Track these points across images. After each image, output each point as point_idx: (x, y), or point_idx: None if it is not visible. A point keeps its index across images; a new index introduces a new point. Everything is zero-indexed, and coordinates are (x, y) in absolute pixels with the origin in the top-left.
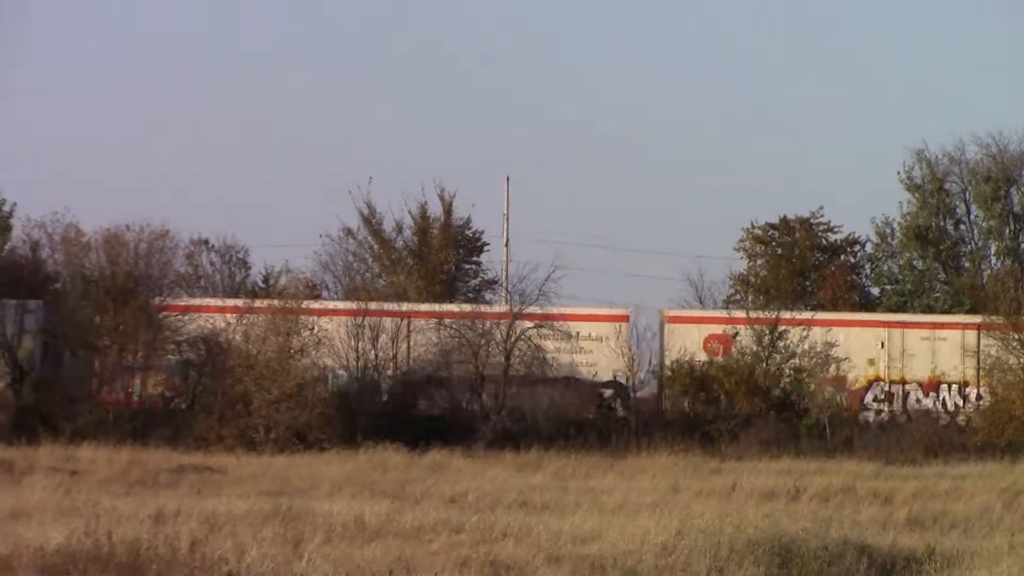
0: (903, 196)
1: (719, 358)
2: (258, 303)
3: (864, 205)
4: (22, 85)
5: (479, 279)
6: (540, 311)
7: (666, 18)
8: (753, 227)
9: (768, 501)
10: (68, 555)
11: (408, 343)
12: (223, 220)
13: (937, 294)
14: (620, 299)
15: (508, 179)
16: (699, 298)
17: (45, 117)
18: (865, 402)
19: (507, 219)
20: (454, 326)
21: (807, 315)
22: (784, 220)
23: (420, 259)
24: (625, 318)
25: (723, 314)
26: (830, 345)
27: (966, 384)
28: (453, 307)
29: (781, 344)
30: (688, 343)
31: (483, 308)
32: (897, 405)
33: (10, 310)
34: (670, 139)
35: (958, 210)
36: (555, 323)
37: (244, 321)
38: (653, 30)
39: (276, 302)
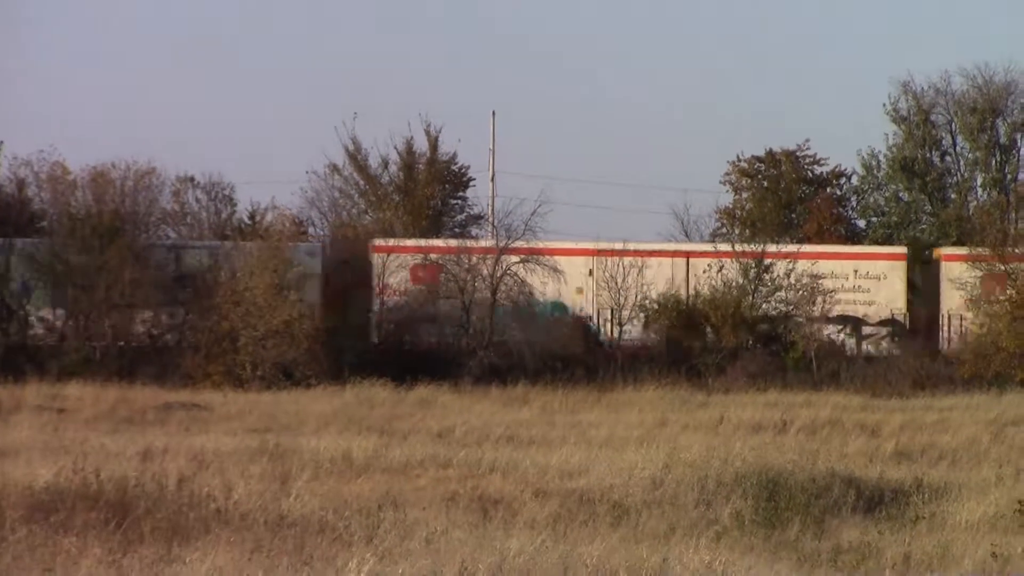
0: (889, 128)
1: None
2: (247, 243)
3: (850, 137)
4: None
5: (465, 214)
6: (526, 245)
7: None
8: (739, 160)
9: (755, 434)
10: (56, 493)
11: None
12: (209, 157)
13: (923, 226)
14: (606, 234)
15: (494, 114)
16: (685, 232)
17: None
18: None
19: (493, 154)
20: (440, 261)
21: (792, 248)
22: (770, 153)
23: (406, 195)
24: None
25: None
26: (816, 278)
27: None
28: (439, 242)
29: (767, 277)
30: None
31: (469, 243)
32: None
33: None
34: (656, 73)
35: (944, 142)
36: (541, 257)
37: (231, 258)
38: None
39: (262, 239)
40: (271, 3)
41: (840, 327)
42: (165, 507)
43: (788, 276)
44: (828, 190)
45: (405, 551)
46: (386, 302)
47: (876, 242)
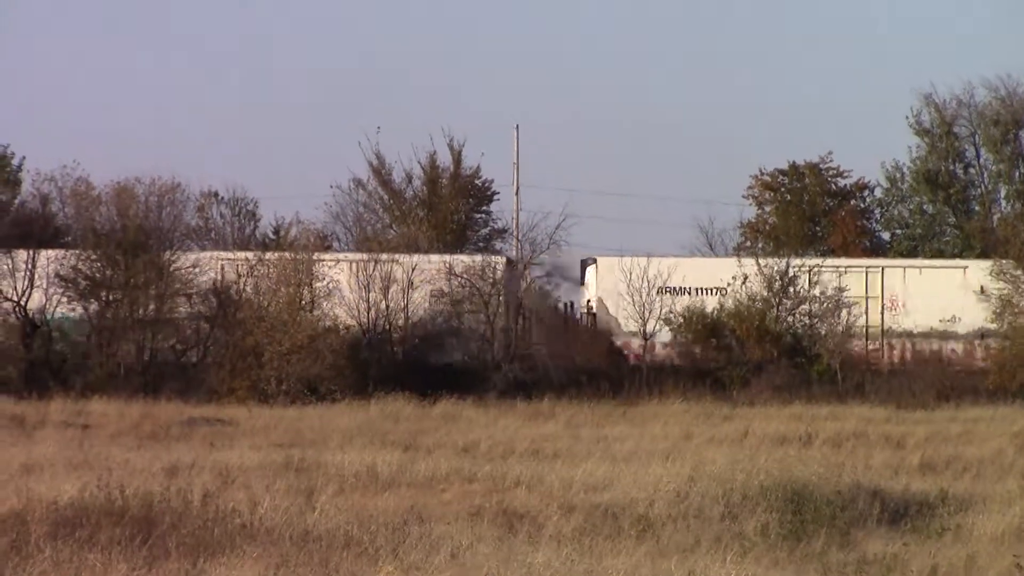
0: (912, 140)
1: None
2: (269, 255)
3: (874, 150)
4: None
5: (489, 228)
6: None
7: None
8: (762, 174)
9: (780, 447)
10: (81, 509)
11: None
12: (233, 172)
13: (947, 238)
14: (630, 247)
15: (518, 128)
16: (710, 245)
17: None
18: None
19: (517, 168)
20: (465, 275)
21: (816, 261)
22: (793, 166)
23: (430, 209)
24: None
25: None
26: (841, 290)
27: None
28: (464, 257)
29: (792, 290)
30: None
31: (494, 257)
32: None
33: (20, 262)
34: (680, 86)
35: (967, 154)
36: (565, 269)
37: (255, 273)
38: None
39: (287, 254)
40: (295, 19)
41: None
42: (190, 522)
43: (813, 288)
44: (852, 203)
45: (431, 566)
46: (410, 316)
47: (901, 255)
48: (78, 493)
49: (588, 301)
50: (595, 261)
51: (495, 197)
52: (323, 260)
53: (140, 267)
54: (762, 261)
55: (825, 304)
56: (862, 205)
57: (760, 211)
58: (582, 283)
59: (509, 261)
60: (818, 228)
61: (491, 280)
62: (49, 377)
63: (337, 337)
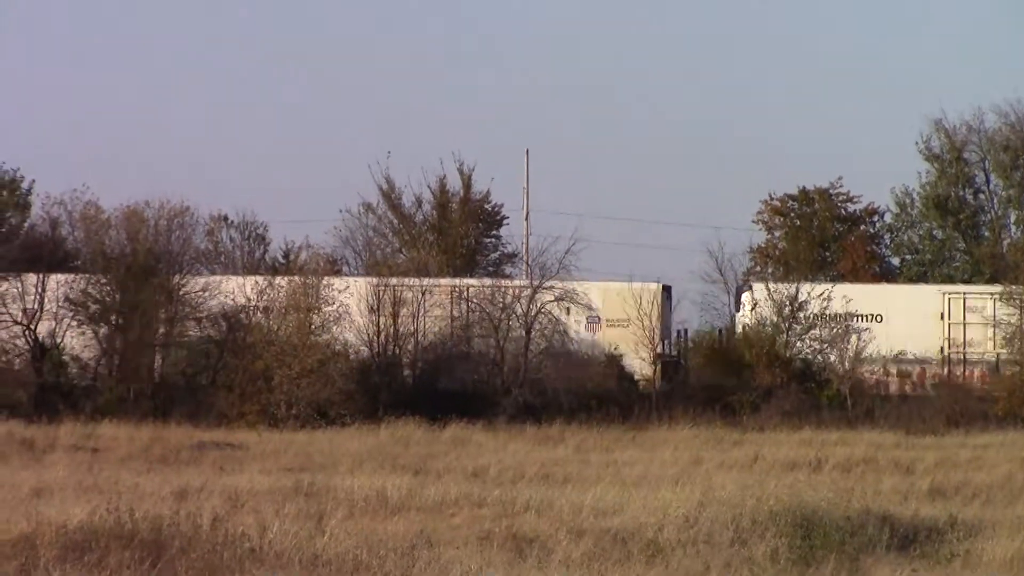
0: (922, 166)
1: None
2: (278, 279)
3: (883, 175)
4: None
5: (499, 253)
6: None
7: None
8: (772, 199)
9: (790, 472)
10: (90, 532)
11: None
12: (242, 196)
13: (957, 263)
14: (639, 272)
15: (527, 152)
16: (719, 270)
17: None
18: None
19: (527, 192)
20: (475, 300)
21: (827, 286)
22: (803, 191)
23: (440, 233)
24: None
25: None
26: (850, 316)
27: None
28: (473, 281)
29: (801, 315)
30: None
31: (503, 282)
32: None
33: (30, 286)
34: (688, 111)
35: (977, 179)
36: (576, 294)
37: (264, 297)
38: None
39: (296, 278)
40: (303, 42)
41: None
42: (200, 546)
43: (822, 314)
44: (862, 228)
45: None
46: (420, 340)
47: (910, 280)
48: (87, 517)
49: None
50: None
51: (505, 222)
52: (333, 284)
53: (150, 291)
54: (772, 286)
55: (835, 329)
56: (872, 230)
57: (770, 236)
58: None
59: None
60: (828, 253)
61: (501, 304)
62: (59, 401)
63: (347, 361)
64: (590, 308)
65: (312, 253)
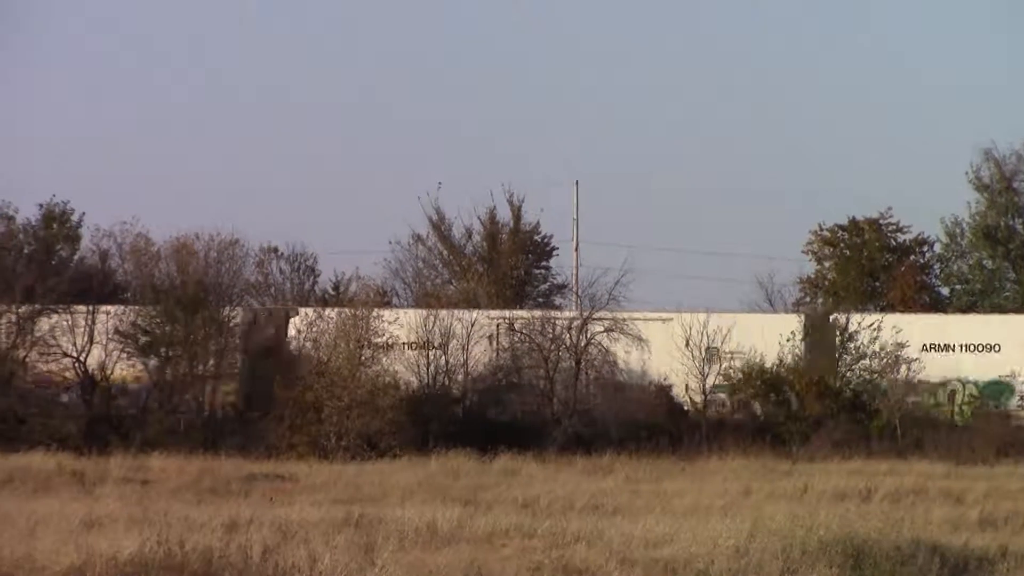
0: (972, 195)
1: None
2: (328, 311)
3: (933, 205)
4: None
5: (549, 284)
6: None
7: (730, 16)
8: (822, 229)
9: (840, 502)
10: (141, 564)
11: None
12: (292, 227)
13: (1007, 293)
14: (689, 303)
15: (577, 183)
16: (769, 300)
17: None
18: None
19: (576, 223)
20: (524, 331)
21: (876, 316)
22: (853, 221)
23: (490, 265)
24: None
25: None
26: (900, 346)
27: None
28: (523, 312)
29: (851, 345)
30: None
31: (553, 313)
32: None
33: (80, 318)
34: (738, 141)
35: None
36: (625, 325)
37: (314, 329)
38: (717, 28)
39: (347, 310)
40: (355, 72)
41: None
42: None
43: (873, 343)
44: (911, 258)
45: None
46: (470, 372)
47: (960, 310)
48: (138, 548)
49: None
50: None
51: (554, 253)
52: (383, 316)
53: (199, 323)
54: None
55: (885, 359)
56: (921, 260)
57: (819, 266)
58: (641, 338)
59: None
60: (877, 283)
61: (551, 335)
62: (109, 433)
63: (396, 393)
64: (640, 339)
65: (362, 284)
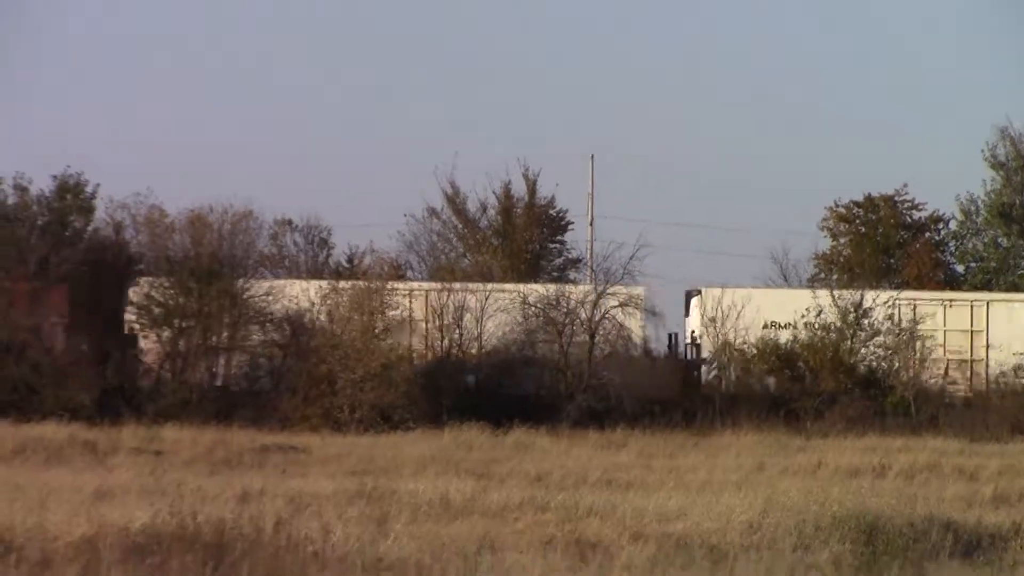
0: (987, 173)
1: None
2: (342, 283)
3: (949, 182)
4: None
5: (563, 258)
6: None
7: None
8: (837, 205)
9: (853, 478)
10: (153, 535)
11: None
12: (307, 200)
13: (1022, 271)
14: (703, 278)
15: (592, 157)
16: (784, 276)
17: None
18: None
19: (592, 198)
20: (539, 305)
21: (891, 294)
22: (868, 198)
23: (504, 238)
24: None
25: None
26: (915, 322)
27: None
28: (537, 286)
29: (866, 321)
30: None
31: (567, 287)
32: None
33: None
34: (754, 116)
35: None
36: (640, 300)
37: (328, 301)
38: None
39: (361, 282)
40: (368, 46)
41: None
42: (262, 550)
43: (888, 320)
44: (927, 235)
45: None
46: (484, 345)
47: (975, 288)
48: (150, 519)
49: (692, 332)
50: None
51: (569, 227)
52: (397, 289)
53: (213, 295)
54: (836, 293)
55: (900, 336)
56: (936, 238)
57: (835, 243)
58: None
59: None
60: (892, 260)
61: (565, 310)
62: (122, 404)
63: (410, 366)
64: (654, 314)
65: (376, 257)
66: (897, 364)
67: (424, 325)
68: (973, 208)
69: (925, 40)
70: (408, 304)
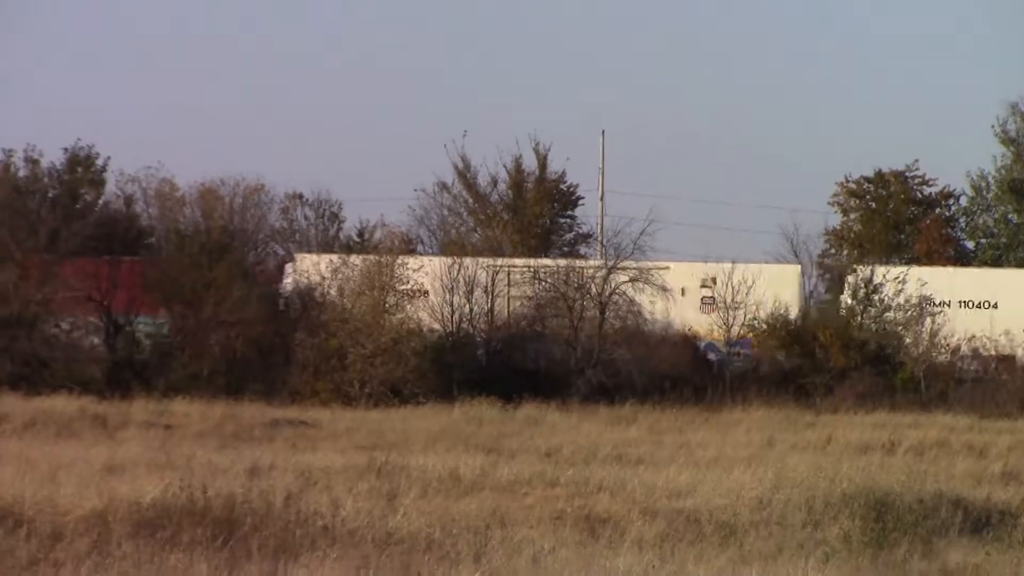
0: (998, 149)
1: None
2: (353, 258)
3: (960, 158)
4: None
5: (574, 233)
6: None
7: None
8: (847, 181)
9: (863, 455)
10: (163, 509)
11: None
12: (318, 174)
13: None
14: (714, 253)
15: (603, 132)
16: (794, 252)
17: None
18: None
19: (602, 173)
20: (549, 280)
21: (901, 269)
22: (879, 173)
23: (515, 213)
24: None
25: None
26: (926, 298)
27: None
28: (548, 261)
29: (876, 297)
30: None
31: (578, 262)
32: None
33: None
34: (764, 93)
35: None
36: (651, 276)
37: (339, 276)
38: None
39: (371, 257)
40: (381, 22)
41: None
42: (272, 524)
43: (897, 296)
44: (937, 211)
45: (512, 570)
46: (494, 320)
47: (985, 263)
48: (160, 493)
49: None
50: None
51: (580, 202)
52: (407, 263)
53: (224, 268)
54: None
55: (909, 312)
56: (947, 214)
57: (845, 218)
58: (666, 288)
59: None
60: (902, 236)
61: (575, 284)
62: (132, 377)
63: (420, 340)
64: (664, 289)
65: (387, 232)
66: (908, 340)
67: (434, 300)
68: (983, 184)
69: (936, 16)
70: (418, 278)
